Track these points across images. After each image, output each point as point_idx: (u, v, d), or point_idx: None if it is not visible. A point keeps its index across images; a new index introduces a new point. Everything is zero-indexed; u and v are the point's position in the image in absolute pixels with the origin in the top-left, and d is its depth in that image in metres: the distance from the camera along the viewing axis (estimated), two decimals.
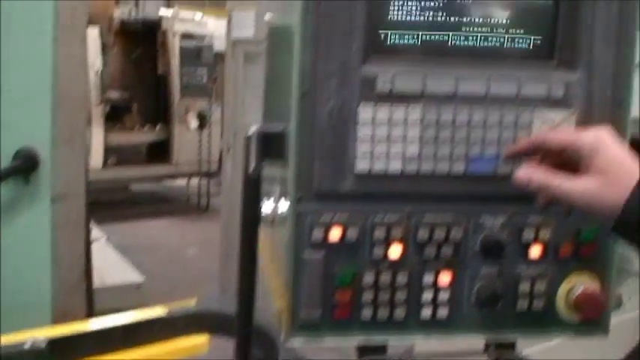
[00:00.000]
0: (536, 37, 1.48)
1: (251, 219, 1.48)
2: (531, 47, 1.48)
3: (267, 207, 1.57)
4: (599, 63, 1.46)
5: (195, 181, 10.97)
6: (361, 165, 1.43)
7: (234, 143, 5.43)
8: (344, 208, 1.45)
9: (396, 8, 1.43)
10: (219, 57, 8.74)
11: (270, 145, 1.50)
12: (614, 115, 1.49)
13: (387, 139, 1.43)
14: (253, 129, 1.49)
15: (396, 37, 1.44)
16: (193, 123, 10.31)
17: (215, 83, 9.97)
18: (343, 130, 1.42)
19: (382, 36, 1.44)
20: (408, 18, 1.43)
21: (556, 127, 1.44)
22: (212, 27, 10.47)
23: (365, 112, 1.42)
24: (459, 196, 1.48)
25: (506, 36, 1.47)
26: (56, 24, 3.37)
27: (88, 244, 4.31)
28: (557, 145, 1.34)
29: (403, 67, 1.43)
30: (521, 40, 1.48)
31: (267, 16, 1.94)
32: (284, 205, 1.49)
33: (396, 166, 1.44)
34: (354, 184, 1.44)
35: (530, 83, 1.45)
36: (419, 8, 1.43)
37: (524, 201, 1.44)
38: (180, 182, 11.50)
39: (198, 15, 11.22)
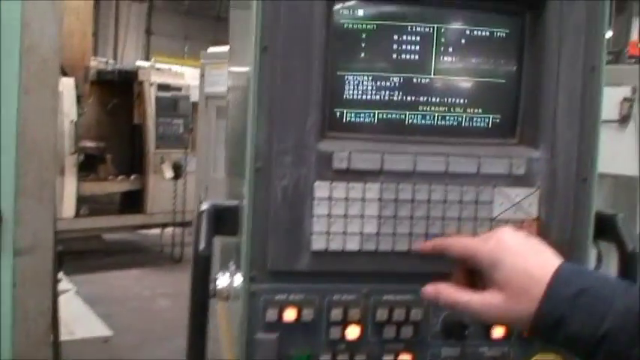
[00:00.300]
0: (495, 116, 1.46)
1: (200, 299, 1.42)
2: (490, 125, 1.47)
3: (222, 281, 1.52)
4: (562, 140, 1.44)
5: (169, 230, 10.87)
6: (317, 243, 1.39)
7: (206, 197, 5.38)
8: (299, 288, 1.41)
9: (352, 87, 1.41)
10: (196, 107, 8.76)
11: (222, 221, 1.46)
12: (578, 193, 1.46)
13: (344, 217, 1.40)
14: (205, 205, 1.45)
15: (352, 114, 1.42)
16: (168, 173, 10.25)
17: (191, 133, 9.95)
18: (299, 207, 1.38)
19: (338, 114, 1.41)
20: (364, 97, 1.42)
21: (460, 234, 1.39)
22: (189, 78, 10.49)
23: (321, 189, 1.38)
24: (419, 275, 1.43)
25: (465, 115, 1.45)
26: (24, 74, 3.34)
27: (55, 296, 4.23)
28: (457, 255, 1.28)
29: (360, 145, 1.40)
30: (479, 119, 1.46)
31: (229, 81, 1.94)
32: (239, 280, 1.44)
33: (353, 245, 1.41)
34: (310, 263, 1.40)
35: (491, 161, 1.43)
36: (374, 87, 1.42)
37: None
38: (155, 232, 11.39)
39: (175, 66, 11.24)
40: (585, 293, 1.11)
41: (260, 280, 1.40)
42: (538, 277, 1.16)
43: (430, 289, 1.28)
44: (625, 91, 4.59)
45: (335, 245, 1.40)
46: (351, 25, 1.40)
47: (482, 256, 1.22)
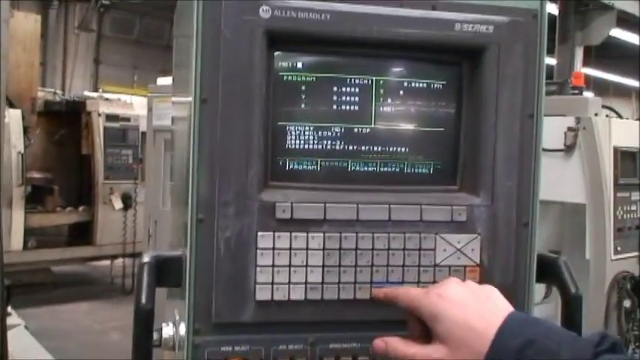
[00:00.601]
0: (437, 163, 1.48)
1: (143, 353, 1.39)
2: (432, 172, 1.48)
3: (167, 331, 1.51)
4: (501, 186, 1.46)
5: (119, 262, 10.72)
6: (262, 294, 1.38)
7: (155, 231, 5.33)
8: (245, 339, 1.40)
9: (294, 137, 1.42)
10: (145, 137, 8.69)
11: (165, 273, 1.44)
12: (519, 237, 1.48)
13: (288, 266, 1.39)
14: (147, 257, 1.43)
15: (295, 163, 1.42)
16: (118, 204, 10.13)
17: (141, 164, 9.87)
18: (242, 258, 1.38)
19: (281, 162, 1.42)
20: (306, 146, 1.42)
21: (400, 289, 1.36)
22: (138, 107, 10.40)
23: (264, 240, 1.38)
24: (365, 323, 1.44)
25: (406, 162, 1.47)
26: None
27: (3, 331, 4.15)
28: (404, 306, 1.29)
29: (303, 194, 1.40)
30: (421, 166, 1.47)
31: (173, 111, 1.92)
32: (184, 330, 1.42)
33: (298, 294, 1.40)
34: (255, 314, 1.39)
35: (433, 208, 1.44)
36: (316, 137, 1.42)
37: None
38: (104, 263, 11.22)
39: (124, 96, 11.14)
40: (531, 346, 1.12)
41: (204, 332, 1.38)
42: (480, 329, 1.16)
43: (379, 342, 1.29)
44: (569, 120, 4.69)
45: (280, 295, 1.39)
46: (290, 77, 1.41)
47: (424, 310, 1.23)
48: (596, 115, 4.73)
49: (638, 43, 13.58)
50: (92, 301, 10.14)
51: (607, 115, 4.93)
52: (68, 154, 10.68)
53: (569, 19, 8.26)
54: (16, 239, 9.15)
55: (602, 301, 4.60)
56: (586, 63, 9.43)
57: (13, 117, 8.71)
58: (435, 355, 1.20)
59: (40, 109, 9.98)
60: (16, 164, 8.82)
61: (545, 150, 4.43)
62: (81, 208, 10.35)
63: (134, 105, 10.61)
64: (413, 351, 1.23)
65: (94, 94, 11.27)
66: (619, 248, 4.67)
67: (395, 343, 1.27)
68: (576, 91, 5.28)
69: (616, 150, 4.65)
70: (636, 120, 5.44)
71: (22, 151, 8.89)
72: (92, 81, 20.21)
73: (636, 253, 4.76)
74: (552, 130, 4.72)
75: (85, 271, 11.78)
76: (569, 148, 4.67)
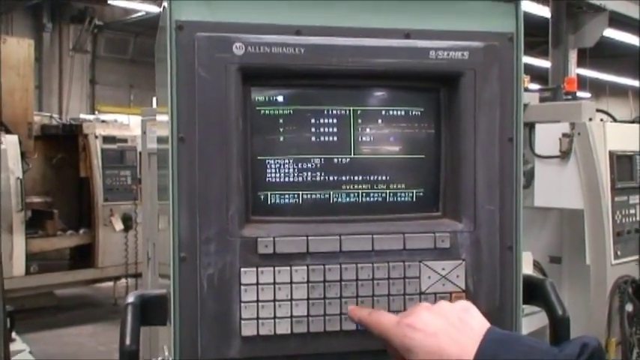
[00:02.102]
0: (418, 190, 1.48)
1: None
2: (414, 199, 1.48)
3: None
4: (483, 211, 1.46)
5: (122, 283, 10.71)
6: (247, 329, 1.38)
7: (154, 253, 5.33)
8: None
9: (274, 170, 1.41)
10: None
11: (150, 311, 1.44)
12: (504, 261, 1.47)
13: (272, 301, 1.39)
14: (131, 297, 1.43)
15: (277, 197, 1.42)
16: (118, 225, 10.13)
17: (140, 184, 9.86)
18: (226, 294, 1.37)
19: (262, 197, 1.41)
20: (287, 179, 1.42)
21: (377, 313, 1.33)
22: (135, 127, 10.41)
23: (248, 276, 1.37)
24: (352, 354, 1.43)
25: (388, 191, 1.46)
26: None
27: (7, 357, 4.14)
28: (377, 335, 1.27)
29: (284, 228, 1.40)
30: (403, 194, 1.47)
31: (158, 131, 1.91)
32: None
33: (284, 329, 1.39)
34: (241, 349, 1.39)
35: (416, 236, 1.43)
36: (296, 170, 1.42)
37: None
38: (107, 285, 11.22)
39: (120, 116, 11.16)
40: None
41: None
42: (455, 356, 1.14)
43: None
44: (564, 127, 4.69)
45: (265, 330, 1.38)
46: (268, 111, 1.41)
47: (396, 341, 1.21)
48: (590, 119, 4.73)
49: (631, 42, 13.61)
50: (96, 324, 10.12)
51: (601, 120, 4.92)
52: (67, 178, 10.69)
53: (562, 22, 8.29)
54: (18, 265, 9.15)
55: (605, 307, 4.59)
56: (581, 64, 9.45)
57: (10, 143, 8.72)
58: None
59: (37, 133, 10.01)
60: (15, 190, 8.82)
61: (541, 157, 4.45)
62: (82, 231, 10.35)
63: (131, 125, 10.61)
64: None
65: (91, 117, 11.28)
66: (619, 252, 4.66)
67: None
68: (569, 97, 5.28)
69: (612, 154, 4.65)
70: (635, 119, 5.44)
71: (21, 177, 8.89)
72: (89, 102, 20.25)
73: (636, 257, 4.76)
74: (547, 137, 4.73)
75: (88, 294, 11.77)
76: (564, 154, 4.67)
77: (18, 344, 6.26)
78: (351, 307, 1.38)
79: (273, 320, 1.38)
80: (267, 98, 1.42)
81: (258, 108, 1.41)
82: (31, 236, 9.54)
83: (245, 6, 1.38)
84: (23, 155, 9.12)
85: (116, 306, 10.87)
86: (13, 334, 5.45)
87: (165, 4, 1.38)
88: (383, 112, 1.46)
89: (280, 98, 1.42)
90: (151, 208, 5.35)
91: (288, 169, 1.42)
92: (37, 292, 9.95)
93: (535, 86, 6.98)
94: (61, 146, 10.53)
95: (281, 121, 1.42)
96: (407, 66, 1.42)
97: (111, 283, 11.03)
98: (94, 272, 10.32)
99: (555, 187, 4.76)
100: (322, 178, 1.43)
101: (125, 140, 10.22)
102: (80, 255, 10.50)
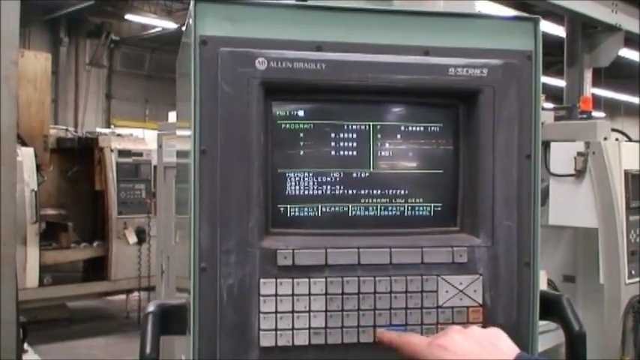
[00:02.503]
0: (437, 205, 1.49)
1: None
2: (432, 214, 1.49)
3: None
4: (501, 226, 1.47)
5: (135, 296, 10.73)
6: (266, 340, 1.39)
7: (168, 266, 5.35)
8: None
9: (293, 184, 1.43)
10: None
11: (170, 321, 1.46)
12: (521, 276, 1.49)
13: (291, 312, 1.40)
14: (151, 306, 1.44)
15: (296, 209, 1.44)
16: (132, 238, 10.16)
17: (154, 198, 9.90)
18: (245, 305, 1.39)
19: (282, 209, 1.43)
20: (306, 192, 1.44)
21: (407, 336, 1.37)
22: (150, 141, 10.47)
23: (267, 287, 1.39)
24: None
25: (406, 205, 1.48)
26: None
27: None
28: (407, 355, 1.30)
29: (303, 240, 1.41)
30: (421, 208, 1.48)
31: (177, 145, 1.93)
32: None
33: (302, 340, 1.41)
34: (260, 359, 1.39)
35: (434, 250, 1.45)
36: (316, 183, 1.44)
37: None
38: (120, 298, 11.24)
39: (136, 130, 11.21)
40: None
41: None
42: None
43: None
44: (579, 145, 4.69)
45: (283, 341, 1.40)
46: (288, 125, 1.43)
47: None
48: (605, 139, 4.72)
49: None
50: (108, 336, 10.14)
51: (617, 139, 4.92)
52: (82, 190, 10.74)
53: (577, 42, 8.29)
54: (31, 276, 9.18)
55: (619, 326, 4.57)
56: (596, 84, 9.44)
57: (26, 155, 8.77)
58: None
59: (53, 146, 10.06)
60: (29, 202, 8.86)
61: (555, 175, 4.44)
62: (95, 244, 10.38)
63: (146, 139, 10.67)
64: None
65: (106, 131, 11.35)
66: (633, 272, 4.64)
67: None
68: (585, 116, 5.28)
69: (627, 173, 4.64)
70: None
71: (36, 189, 8.94)
72: (104, 116, 20.38)
73: None
74: (562, 156, 4.73)
75: (101, 306, 11.79)
76: (579, 173, 4.67)
77: (30, 355, 6.29)
78: (380, 330, 1.40)
79: (291, 331, 1.40)
80: (287, 112, 1.44)
81: (279, 122, 1.43)
82: (45, 248, 9.58)
83: (267, 22, 1.41)
84: (38, 168, 9.16)
85: (128, 319, 10.89)
86: (26, 345, 5.48)
87: (189, 19, 1.41)
88: (402, 128, 1.48)
89: (301, 113, 1.45)
90: (166, 222, 5.37)
91: (308, 182, 1.44)
92: (50, 303, 9.97)
93: (550, 105, 6.98)
94: (76, 159, 10.58)
95: (301, 135, 1.44)
96: (426, 82, 1.44)
97: (123, 296, 11.04)
98: (107, 285, 10.34)
99: (570, 205, 4.75)
100: (341, 191, 1.45)
101: (140, 154, 10.27)
102: (93, 267, 10.52)
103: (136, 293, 10.59)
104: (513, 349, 1.22)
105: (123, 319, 11.02)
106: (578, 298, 5.03)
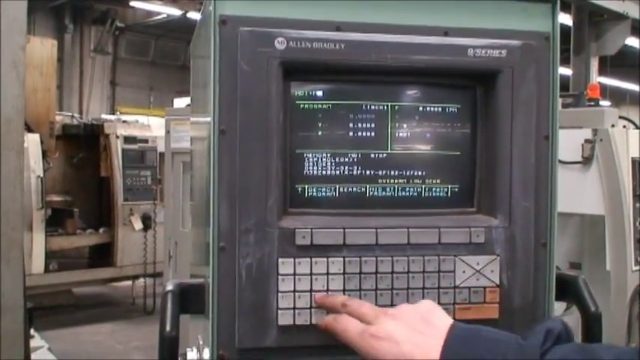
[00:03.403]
0: (454, 186, 1.50)
1: None
2: (449, 195, 1.50)
3: (191, 356, 1.53)
4: (518, 207, 1.47)
5: (140, 282, 10.77)
6: (284, 319, 1.40)
7: (175, 252, 5.36)
8: None
9: (311, 164, 1.44)
10: (163, 158, 8.73)
11: (189, 300, 1.47)
12: (538, 257, 1.49)
13: (309, 291, 1.41)
14: (170, 285, 1.45)
15: (314, 190, 1.44)
16: (138, 225, 10.19)
17: (159, 184, 9.93)
18: (264, 284, 1.40)
19: (300, 189, 1.44)
20: (324, 172, 1.44)
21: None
22: (155, 128, 10.49)
23: (285, 266, 1.40)
24: None
25: (424, 186, 1.48)
26: None
27: (27, 354, 4.18)
28: (344, 342, 1.32)
29: (322, 220, 1.42)
30: (438, 189, 1.49)
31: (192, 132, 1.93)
32: (207, 355, 1.45)
33: (319, 319, 1.41)
34: (278, 338, 1.41)
35: (451, 230, 1.45)
36: (334, 163, 1.44)
37: None
38: (126, 284, 11.28)
39: (141, 117, 11.22)
40: None
41: (228, 357, 1.40)
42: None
43: None
44: (586, 133, 4.68)
45: (302, 320, 1.41)
46: (307, 105, 1.44)
47: (362, 353, 1.26)
48: (612, 126, 4.72)
49: None
50: (114, 322, 10.18)
51: (624, 126, 4.92)
52: (87, 177, 10.77)
53: (584, 30, 8.27)
54: (37, 262, 9.22)
55: (625, 313, 4.58)
56: (602, 72, 9.42)
57: (32, 141, 8.79)
58: None
59: (59, 132, 10.08)
60: (35, 188, 8.88)
61: (562, 162, 4.43)
62: (101, 230, 10.42)
63: (151, 126, 10.69)
64: None
65: (112, 117, 11.37)
66: (639, 259, 4.65)
67: None
68: (592, 103, 5.28)
69: (634, 161, 4.64)
70: None
71: (42, 175, 8.96)
72: (109, 103, 20.40)
73: None
74: (569, 143, 4.72)
75: (107, 292, 11.83)
76: (586, 160, 4.67)
77: (36, 341, 6.32)
78: (319, 299, 1.40)
79: (309, 310, 1.41)
80: (306, 93, 1.44)
81: (297, 102, 1.43)
82: (51, 234, 9.61)
83: (287, 2, 1.41)
84: (44, 154, 9.19)
85: (134, 305, 10.94)
86: (32, 331, 5.51)
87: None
88: (420, 109, 1.48)
89: (319, 93, 1.45)
90: (174, 207, 5.38)
91: (326, 162, 1.44)
92: (56, 290, 10.02)
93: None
94: (82, 146, 10.61)
95: (320, 115, 1.44)
96: (445, 63, 1.44)
97: (129, 283, 11.09)
98: (113, 271, 10.39)
99: (577, 192, 4.75)
100: (359, 172, 1.46)
101: (146, 140, 10.29)
102: (99, 254, 10.57)
103: (141, 279, 10.62)
104: (446, 323, 1.22)
105: (129, 306, 11.07)
106: None
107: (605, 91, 15.54)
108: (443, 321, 1.23)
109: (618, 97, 21.60)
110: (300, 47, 1.39)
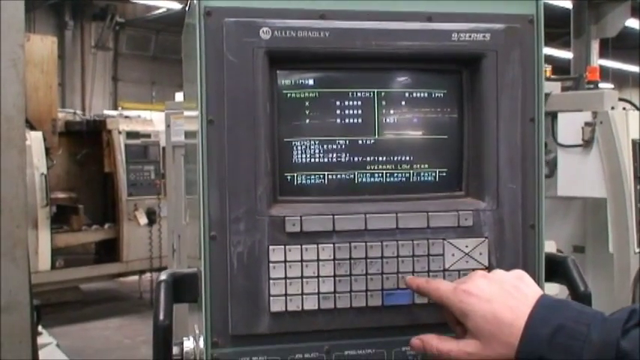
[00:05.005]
0: (442, 170, 1.51)
1: None
2: (437, 179, 1.51)
3: (188, 344, 1.55)
4: (506, 190, 1.49)
5: (147, 276, 10.81)
6: (276, 305, 1.42)
7: (179, 245, 5.39)
8: (261, 350, 1.43)
9: (300, 152, 1.45)
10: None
11: (182, 289, 1.48)
12: (526, 239, 1.50)
13: (300, 278, 1.42)
14: (163, 275, 1.47)
15: (303, 177, 1.46)
16: (143, 220, 10.23)
17: (163, 179, 9.95)
18: (255, 272, 1.41)
19: (289, 177, 1.45)
20: (312, 160, 1.46)
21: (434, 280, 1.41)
22: (158, 123, 10.50)
23: (276, 253, 1.41)
24: (379, 329, 1.47)
25: (412, 171, 1.50)
26: None
27: (35, 351, 4.21)
28: (436, 301, 1.35)
29: (311, 207, 1.43)
30: (426, 174, 1.50)
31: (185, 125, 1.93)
32: (203, 343, 1.46)
33: (311, 304, 1.43)
34: (271, 325, 1.43)
35: (439, 214, 1.47)
36: (322, 151, 1.46)
37: (443, 328, 1.43)
38: (132, 279, 11.33)
39: (143, 112, 11.24)
40: (561, 331, 1.16)
41: (222, 345, 1.42)
42: (509, 321, 1.21)
43: (416, 340, 1.35)
44: (586, 116, 4.69)
45: (293, 306, 1.42)
46: (294, 94, 1.45)
47: (453, 307, 1.29)
48: (612, 108, 4.72)
49: None
50: (122, 317, 10.24)
51: (624, 108, 4.92)
52: (91, 173, 10.81)
53: (583, 13, 8.25)
54: (43, 259, 9.26)
55: (628, 294, 4.60)
56: (603, 55, 9.39)
57: (34, 139, 8.82)
58: (468, 350, 1.25)
59: (61, 129, 10.11)
60: (39, 185, 8.92)
61: (563, 146, 4.44)
62: (106, 226, 10.46)
63: (154, 121, 10.71)
64: (448, 347, 1.28)
65: (114, 113, 11.39)
66: None
67: (431, 340, 1.32)
68: (592, 86, 5.28)
69: (634, 142, 4.65)
70: None
71: (45, 173, 8.99)
72: (111, 99, 20.42)
73: None
74: (570, 126, 4.73)
75: (114, 288, 11.89)
76: (587, 143, 4.68)
77: (45, 337, 6.36)
78: (409, 277, 1.43)
79: (300, 296, 1.42)
80: (293, 81, 1.45)
81: (284, 91, 1.45)
82: (57, 231, 9.65)
83: None
84: (48, 151, 9.22)
85: (141, 299, 10.99)
86: (40, 328, 5.54)
87: None
88: (406, 94, 1.49)
89: (306, 81, 1.46)
90: (176, 201, 5.41)
91: (314, 150, 1.45)
92: (63, 286, 10.08)
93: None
94: (85, 142, 10.64)
95: (307, 103, 1.45)
96: (429, 48, 1.45)
97: (136, 277, 11.14)
98: (119, 266, 10.44)
99: (578, 176, 4.76)
100: (347, 159, 1.47)
101: (148, 135, 10.31)
102: (105, 250, 10.61)
103: (148, 274, 10.66)
104: (537, 292, 1.25)
105: (136, 300, 11.12)
106: (587, 268, 5.06)
107: (608, 74, 15.51)
108: (533, 289, 1.27)
109: (621, 80, 21.54)
110: (285, 36, 1.40)
